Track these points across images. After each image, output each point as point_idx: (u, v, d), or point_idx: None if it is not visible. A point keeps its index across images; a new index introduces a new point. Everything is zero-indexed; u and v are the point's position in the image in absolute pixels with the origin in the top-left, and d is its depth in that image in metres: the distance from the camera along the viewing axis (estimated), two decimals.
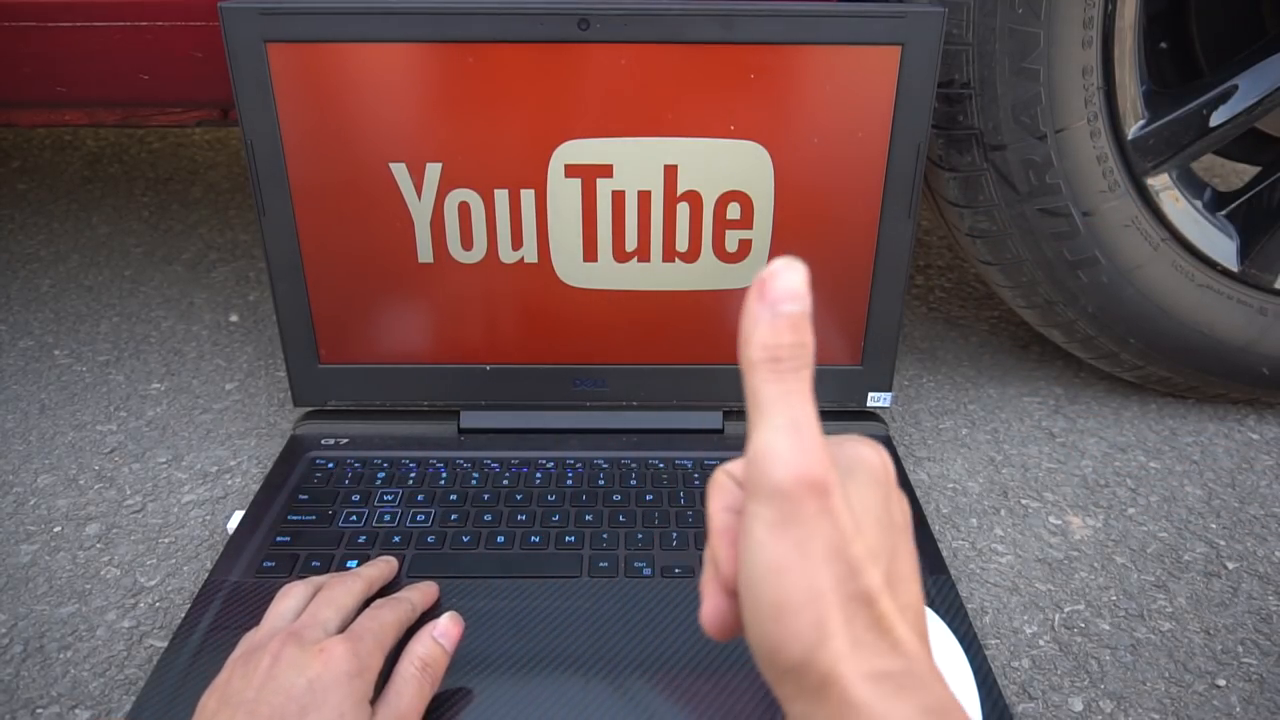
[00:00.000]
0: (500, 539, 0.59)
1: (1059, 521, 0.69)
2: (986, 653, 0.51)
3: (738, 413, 0.73)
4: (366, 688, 0.43)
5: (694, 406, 0.72)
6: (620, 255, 0.67)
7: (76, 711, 0.53)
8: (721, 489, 0.34)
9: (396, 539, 0.59)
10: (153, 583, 0.62)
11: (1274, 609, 0.61)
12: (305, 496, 0.63)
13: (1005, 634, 0.59)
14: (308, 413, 0.73)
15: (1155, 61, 0.92)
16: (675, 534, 0.60)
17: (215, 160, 1.53)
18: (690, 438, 0.71)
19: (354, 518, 0.61)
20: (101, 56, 0.71)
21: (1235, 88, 0.72)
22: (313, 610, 0.46)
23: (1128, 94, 0.69)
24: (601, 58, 0.61)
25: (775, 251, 0.67)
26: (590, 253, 0.67)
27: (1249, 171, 0.86)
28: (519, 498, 0.63)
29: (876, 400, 0.72)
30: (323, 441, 0.70)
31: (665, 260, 0.67)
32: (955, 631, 0.49)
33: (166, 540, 0.66)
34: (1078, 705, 0.54)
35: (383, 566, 0.54)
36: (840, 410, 0.73)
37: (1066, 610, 0.61)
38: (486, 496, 0.63)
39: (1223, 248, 0.75)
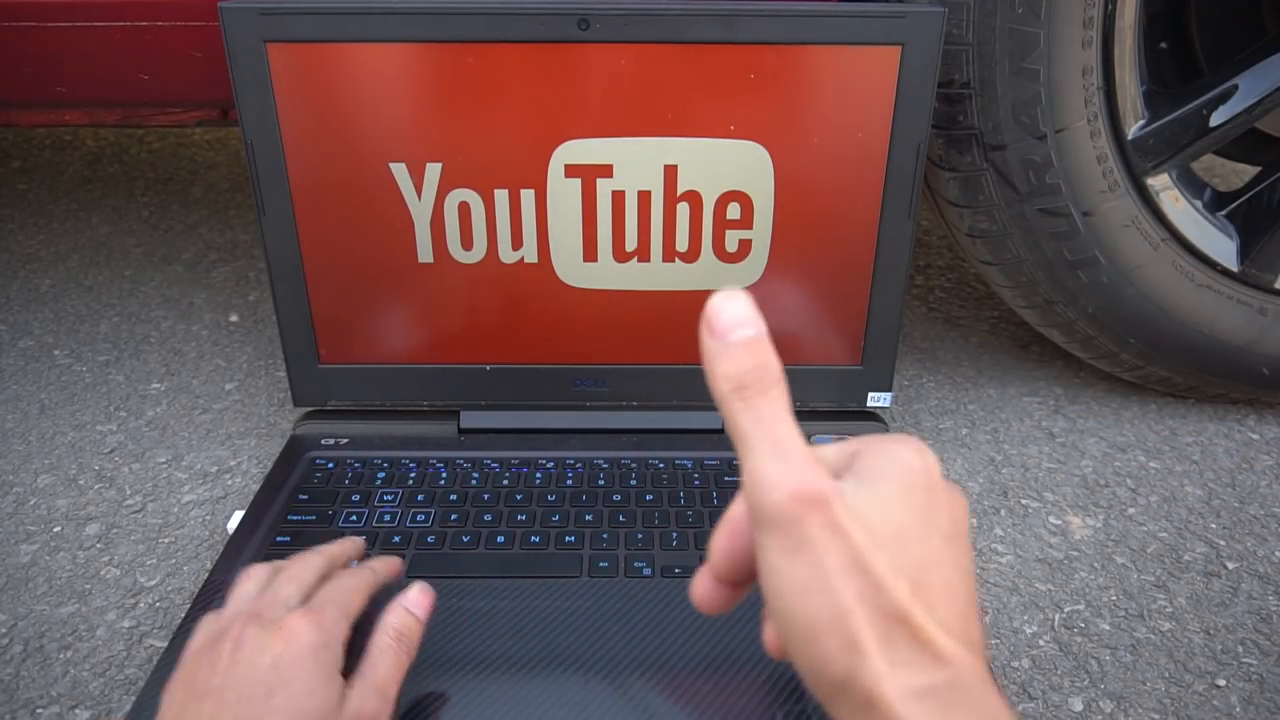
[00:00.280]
0: (500, 539, 0.59)
1: (1059, 521, 0.69)
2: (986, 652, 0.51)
3: None
4: (334, 659, 0.42)
5: (694, 406, 0.72)
6: (620, 255, 0.67)
7: (76, 711, 0.53)
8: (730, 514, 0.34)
9: (396, 539, 0.59)
10: (153, 583, 0.62)
11: (1274, 609, 0.61)
12: (305, 496, 0.63)
13: (1005, 634, 0.59)
14: (308, 413, 0.73)
15: (1155, 61, 0.92)
16: (675, 534, 0.60)
17: (215, 160, 1.53)
18: (690, 438, 0.70)
19: (354, 518, 0.61)
20: (101, 56, 0.71)
21: (1235, 88, 0.72)
22: (273, 589, 0.45)
23: (1128, 94, 0.69)
24: (601, 58, 0.61)
25: (775, 251, 0.67)
26: (590, 253, 0.67)
27: (1249, 171, 0.86)
28: (519, 498, 0.63)
29: (876, 400, 0.72)
30: (323, 441, 0.70)
31: (665, 260, 0.67)
32: None
33: (166, 540, 0.66)
34: (1078, 705, 0.54)
35: (359, 555, 0.53)
36: (840, 410, 0.73)
37: (1066, 610, 0.61)
38: (486, 496, 0.63)
39: (1223, 248, 0.75)
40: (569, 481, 0.65)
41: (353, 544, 0.53)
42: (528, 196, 0.65)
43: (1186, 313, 0.75)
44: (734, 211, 0.65)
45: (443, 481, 0.65)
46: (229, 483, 0.72)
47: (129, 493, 0.71)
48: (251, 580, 0.47)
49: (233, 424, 0.80)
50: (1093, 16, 0.65)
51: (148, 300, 1.03)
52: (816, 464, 0.30)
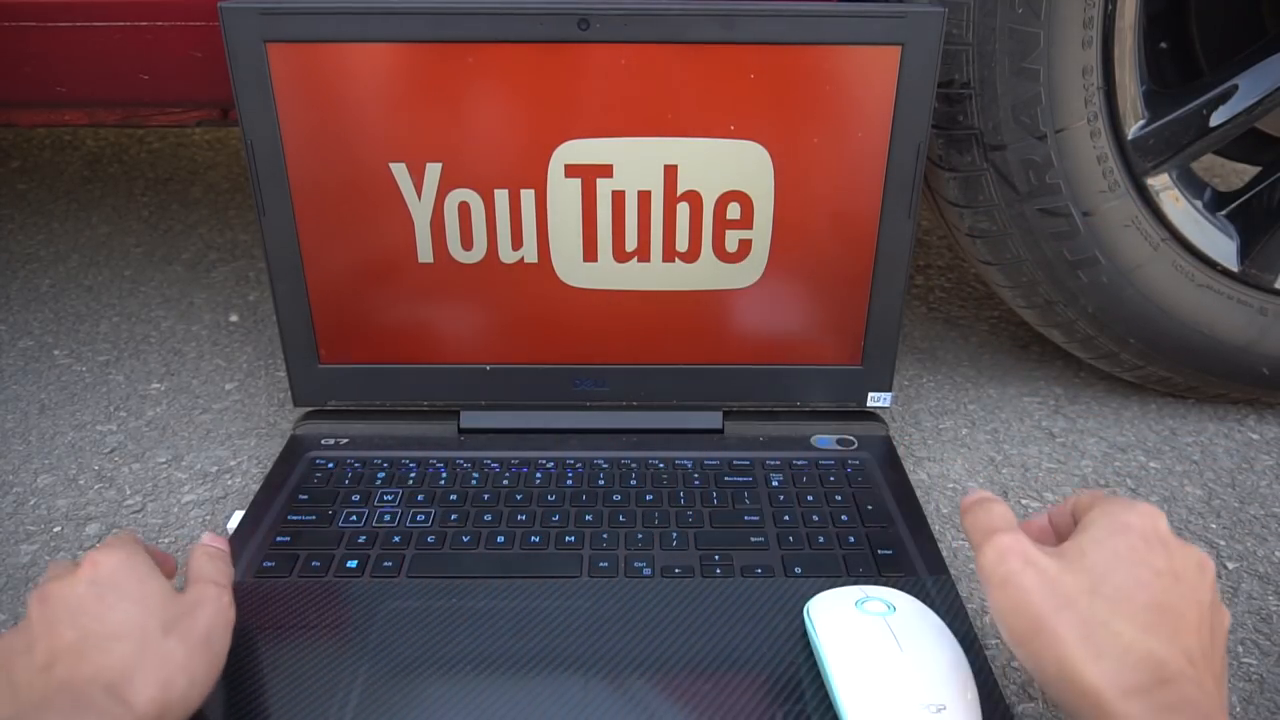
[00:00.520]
0: (500, 539, 0.59)
1: None
2: (987, 653, 0.51)
3: (737, 413, 0.73)
4: (147, 560, 0.44)
5: (694, 406, 0.72)
6: (620, 255, 0.67)
7: None
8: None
9: (396, 539, 0.59)
10: None
11: (1274, 609, 0.61)
12: (305, 496, 0.64)
13: None
14: (308, 413, 0.73)
15: (1155, 61, 0.92)
16: (675, 534, 0.60)
17: (215, 160, 1.53)
18: (690, 438, 0.70)
19: (354, 518, 0.61)
20: (101, 56, 0.71)
21: (1235, 88, 0.72)
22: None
23: (1128, 94, 0.69)
24: (601, 58, 0.61)
25: (775, 251, 0.67)
26: (590, 253, 0.67)
27: (1249, 171, 0.85)
28: (519, 498, 0.63)
29: (876, 400, 0.72)
30: (323, 441, 0.70)
31: (665, 260, 0.67)
32: (955, 631, 0.49)
33: (166, 540, 0.66)
34: None
35: None
36: (840, 410, 0.73)
37: None
38: (486, 496, 0.63)
39: (1223, 248, 0.75)
40: (569, 481, 0.65)
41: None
42: (528, 196, 0.65)
43: (1186, 313, 0.75)
44: (734, 211, 0.66)
45: (443, 481, 0.65)
46: (229, 483, 0.72)
47: (129, 493, 0.71)
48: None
49: (233, 424, 0.80)
50: (1093, 16, 0.65)
51: (148, 300, 1.03)
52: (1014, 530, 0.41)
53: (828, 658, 0.47)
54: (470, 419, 0.72)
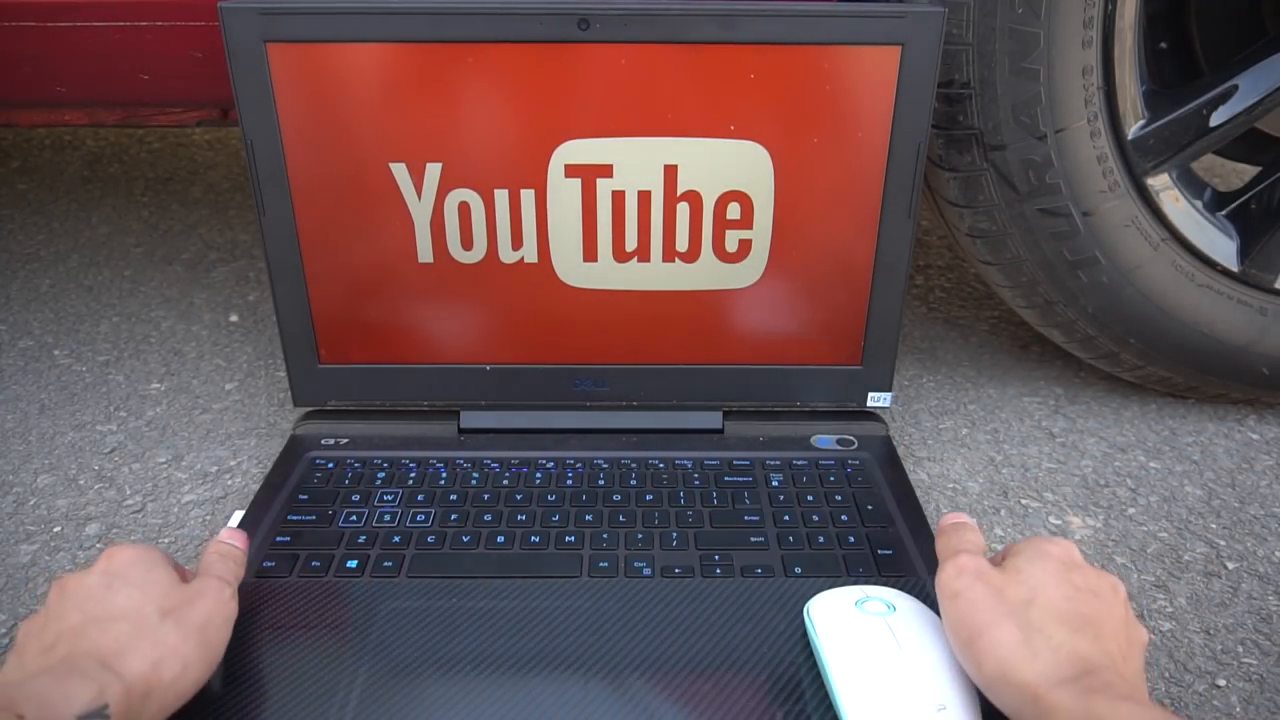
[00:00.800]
0: (500, 539, 0.59)
1: (1059, 521, 0.69)
2: None
3: (737, 413, 0.73)
4: (159, 555, 0.47)
5: (694, 406, 0.72)
6: (620, 255, 0.67)
7: None
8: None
9: (396, 539, 0.59)
10: None
11: (1274, 609, 0.61)
12: (305, 496, 0.63)
13: None
14: (308, 413, 0.73)
15: (1155, 61, 0.92)
16: (675, 534, 0.60)
17: (215, 160, 1.53)
18: (690, 438, 0.70)
19: (354, 518, 0.61)
20: (101, 56, 0.71)
21: (1235, 88, 0.72)
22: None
23: (1128, 94, 0.69)
24: (601, 58, 0.61)
25: (775, 251, 0.67)
26: (590, 253, 0.67)
27: (1249, 171, 0.86)
28: (519, 498, 0.63)
29: (876, 400, 0.72)
30: (323, 441, 0.70)
31: (665, 260, 0.67)
32: None
33: (166, 540, 0.66)
34: None
35: None
36: (840, 410, 0.73)
37: None
38: (486, 496, 0.63)
39: (1223, 248, 0.75)
40: (569, 481, 0.65)
41: None
42: (528, 196, 0.65)
43: (1186, 313, 0.75)
44: (734, 211, 0.65)
45: (443, 481, 0.65)
46: (229, 483, 0.72)
47: (129, 493, 0.71)
48: None
49: (233, 424, 0.80)
50: (1093, 16, 0.65)
51: (148, 300, 1.03)
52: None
53: (828, 658, 0.47)
54: (470, 419, 0.72)
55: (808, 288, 0.68)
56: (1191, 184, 0.75)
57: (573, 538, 0.59)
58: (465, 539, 0.59)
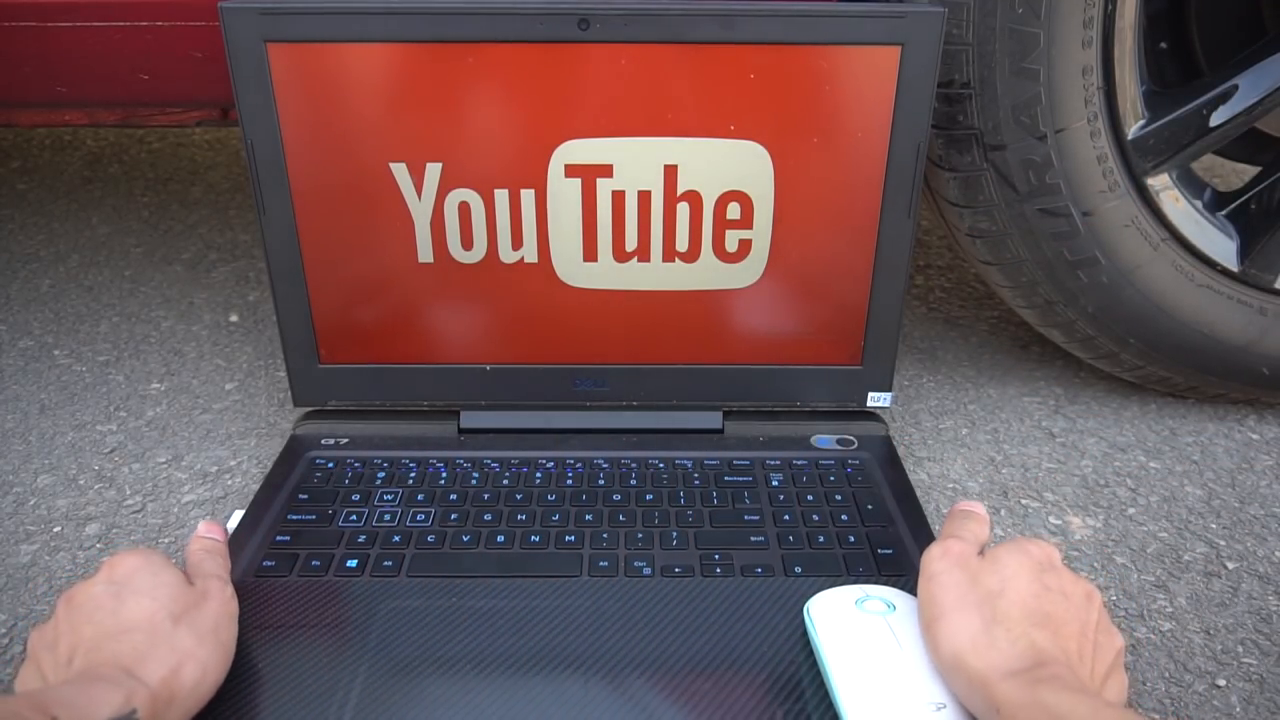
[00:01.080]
0: (500, 538, 0.59)
1: (1059, 521, 0.69)
2: None
3: (737, 413, 0.73)
4: (163, 558, 0.48)
5: (694, 406, 0.72)
6: (620, 255, 0.67)
7: None
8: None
9: (396, 538, 0.59)
10: None
11: (1274, 609, 0.61)
12: (305, 496, 0.64)
13: None
14: (308, 413, 0.73)
15: (1155, 61, 0.92)
16: (675, 533, 0.60)
17: (215, 160, 1.53)
18: (690, 438, 0.70)
19: (354, 517, 0.61)
20: (101, 56, 0.71)
21: (1235, 88, 0.72)
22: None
23: (1128, 94, 0.69)
24: (602, 57, 0.61)
25: (775, 251, 0.67)
26: (590, 253, 0.67)
27: (1249, 171, 0.86)
28: (519, 497, 0.63)
29: (876, 400, 0.72)
30: (323, 441, 0.70)
31: (665, 260, 0.67)
32: None
33: (166, 540, 0.66)
34: None
35: None
36: (840, 410, 0.73)
37: None
38: (486, 496, 0.63)
39: (1223, 248, 0.75)
40: (569, 481, 0.65)
41: None
42: (528, 196, 0.65)
43: (1186, 313, 0.75)
44: (734, 211, 0.65)
45: (442, 481, 0.65)
46: (229, 483, 0.72)
47: (129, 493, 0.71)
48: None
49: (233, 424, 0.80)
50: (1093, 16, 0.65)
51: (148, 300, 1.03)
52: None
53: (827, 657, 0.47)
54: (470, 419, 0.72)
55: (807, 287, 0.68)
56: (1191, 184, 0.75)
57: (573, 537, 0.59)
58: (465, 538, 0.59)
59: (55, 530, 0.67)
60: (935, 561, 0.47)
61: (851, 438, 0.71)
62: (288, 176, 0.64)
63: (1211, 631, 0.59)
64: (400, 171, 0.64)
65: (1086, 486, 0.73)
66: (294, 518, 0.61)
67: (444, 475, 0.66)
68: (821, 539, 0.60)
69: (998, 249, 0.74)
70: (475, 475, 0.66)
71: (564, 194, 0.65)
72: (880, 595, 0.51)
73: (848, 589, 0.52)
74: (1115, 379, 0.87)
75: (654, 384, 0.71)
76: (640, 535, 0.59)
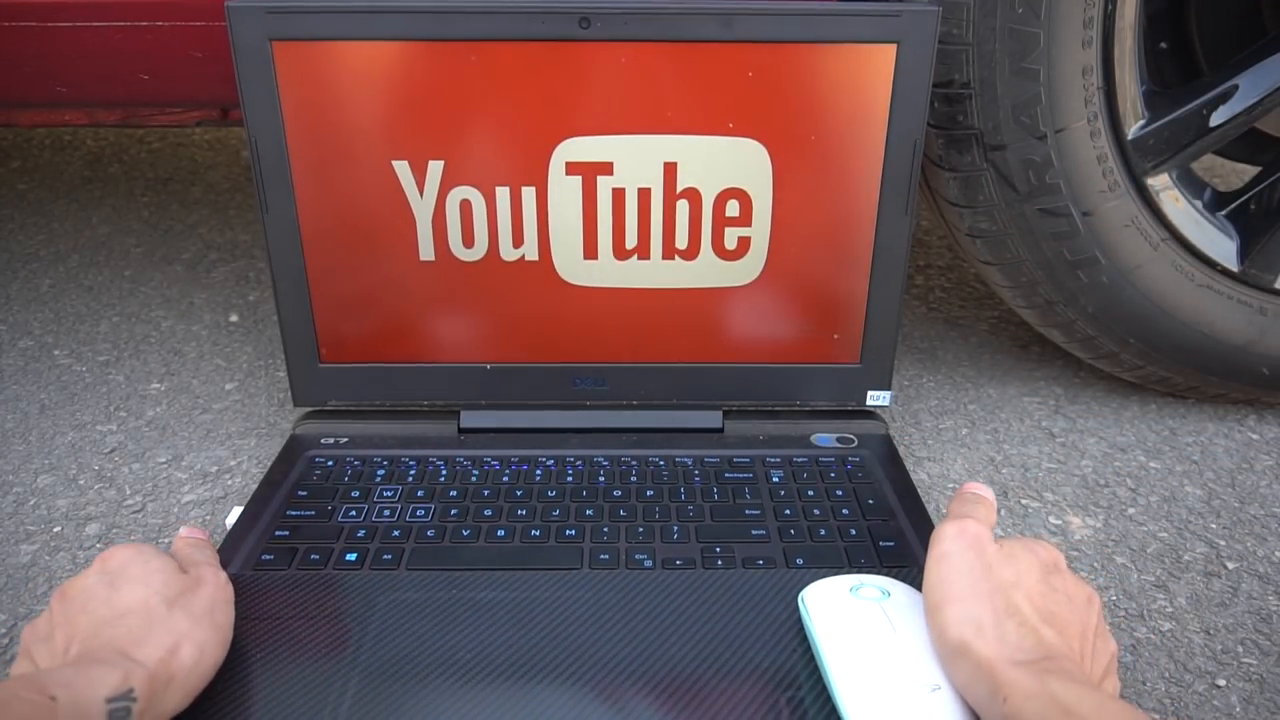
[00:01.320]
0: (501, 532, 0.59)
1: (1059, 521, 0.69)
2: None
3: (737, 412, 0.73)
4: (154, 549, 0.48)
5: (694, 406, 0.72)
6: (620, 253, 0.67)
7: None
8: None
9: (396, 533, 0.59)
10: None
11: (1274, 609, 0.61)
12: (304, 493, 0.63)
13: None
14: (308, 412, 0.73)
15: (1155, 61, 0.92)
16: (675, 527, 0.60)
17: (215, 160, 1.53)
18: (690, 436, 0.70)
19: (353, 513, 0.61)
20: (101, 56, 0.71)
21: (1235, 88, 0.72)
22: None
23: (1128, 94, 0.69)
24: (602, 56, 0.61)
25: (774, 248, 0.67)
26: (591, 250, 0.67)
27: (1249, 171, 0.86)
28: (519, 493, 0.63)
29: (876, 399, 0.72)
30: (322, 440, 0.70)
31: (665, 258, 0.67)
32: None
33: (166, 540, 0.66)
34: None
35: None
36: (839, 410, 0.73)
37: None
38: (486, 492, 0.63)
39: (1223, 248, 0.75)
40: (569, 478, 0.65)
41: None
42: (529, 194, 0.65)
43: (1186, 313, 0.75)
44: (733, 209, 0.66)
45: (442, 478, 0.65)
46: (229, 483, 0.72)
47: (129, 493, 0.71)
48: None
49: (233, 424, 0.80)
50: (1093, 16, 0.65)
51: (148, 300, 1.03)
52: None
53: (822, 642, 0.47)
54: (470, 419, 0.72)
55: (806, 285, 0.68)
56: (1191, 184, 0.75)
57: (573, 531, 0.59)
58: (465, 532, 0.59)
59: (55, 530, 0.67)
60: (949, 540, 0.45)
61: (851, 436, 0.71)
62: (291, 174, 0.64)
63: (1211, 631, 0.59)
64: (402, 169, 0.64)
65: (1086, 486, 0.73)
66: (293, 513, 0.61)
67: (444, 473, 0.66)
68: (823, 532, 0.60)
69: (998, 249, 0.74)
70: (475, 473, 0.66)
71: (565, 191, 0.65)
72: (875, 583, 0.50)
73: (842, 578, 0.52)
74: (1115, 379, 0.87)
75: (654, 383, 0.71)
76: (641, 529, 0.59)
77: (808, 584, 0.52)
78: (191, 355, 0.92)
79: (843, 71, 0.62)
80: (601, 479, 0.65)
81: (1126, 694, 0.54)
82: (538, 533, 0.59)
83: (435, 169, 0.64)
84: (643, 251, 0.67)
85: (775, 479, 0.65)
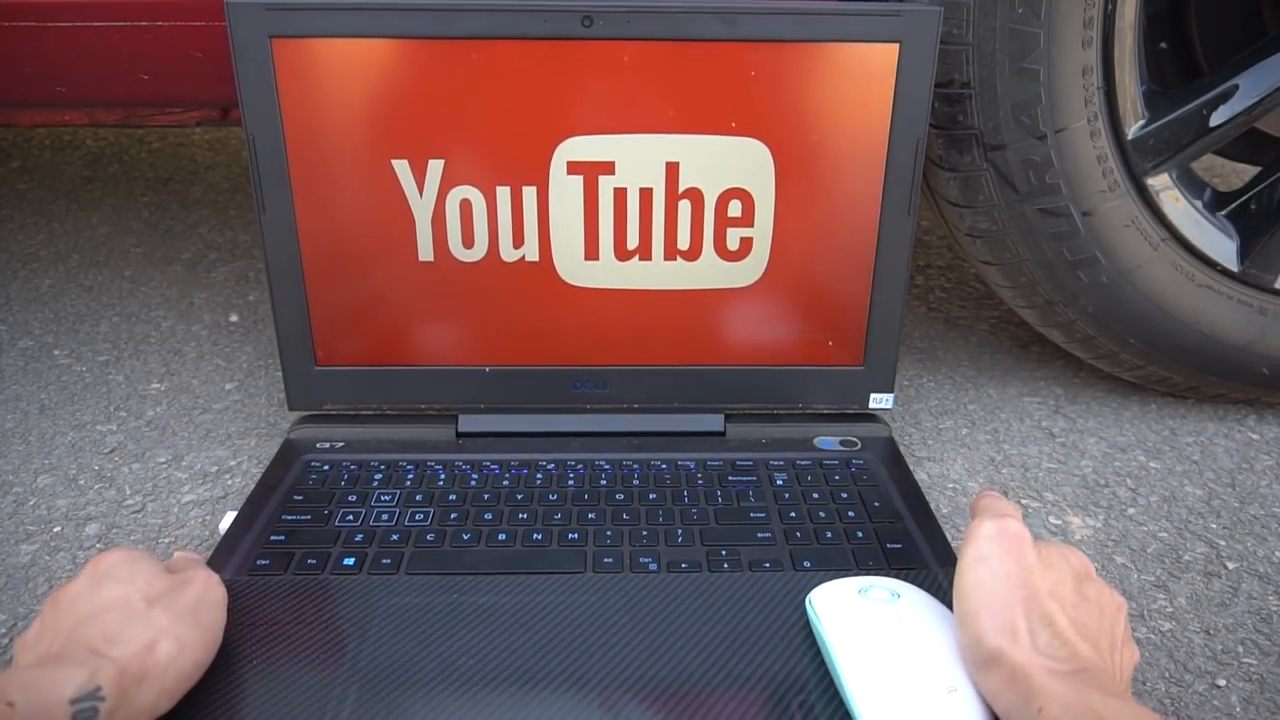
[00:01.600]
0: (502, 536, 0.59)
1: (1059, 521, 0.69)
2: None
3: (739, 415, 0.73)
4: (143, 553, 0.48)
5: (695, 409, 0.72)
6: (622, 254, 0.67)
7: None
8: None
9: (395, 537, 0.59)
10: None
11: (1274, 609, 0.61)
12: (300, 497, 0.63)
13: None
14: (304, 416, 0.73)
15: (1155, 61, 0.92)
16: (680, 530, 0.59)
17: (215, 160, 1.53)
18: (692, 440, 0.70)
19: (350, 517, 0.61)
20: (101, 56, 0.71)
21: (1235, 88, 0.72)
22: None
23: (1128, 94, 0.69)
24: (604, 54, 0.61)
25: (776, 249, 0.67)
26: (592, 251, 0.67)
27: (1249, 171, 0.86)
28: (520, 497, 0.63)
29: (879, 401, 0.72)
30: (318, 444, 0.69)
31: (667, 259, 0.67)
32: None
33: (166, 540, 0.66)
34: None
35: None
36: (842, 413, 0.73)
37: None
38: (486, 496, 0.63)
39: (1223, 248, 0.76)
40: (570, 482, 0.65)
41: None
42: (529, 193, 0.65)
43: (1186, 313, 0.75)
44: (735, 209, 0.66)
45: (441, 482, 0.65)
46: (229, 483, 0.72)
47: (129, 493, 0.71)
48: None
49: (232, 424, 0.80)
50: (1093, 16, 0.65)
51: (148, 300, 1.03)
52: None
53: (833, 645, 0.46)
54: (468, 423, 0.71)
55: (809, 286, 0.68)
56: (1191, 184, 0.75)
57: (576, 535, 0.59)
58: (466, 536, 0.59)
59: (55, 530, 0.67)
60: (989, 541, 0.44)
61: (855, 439, 0.71)
62: (289, 173, 0.64)
63: (1211, 631, 0.59)
64: (402, 168, 0.64)
65: (1086, 486, 0.73)
66: (289, 518, 0.61)
67: (442, 477, 0.65)
68: (829, 534, 0.59)
69: (998, 249, 0.74)
70: (474, 477, 0.65)
71: (566, 191, 0.65)
72: (883, 584, 0.50)
73: (850, 580, 0.51)
74: (1115, 379, 0.87)
75: (655, 386, 0.71)
76: (645, 533, 0.59)
77: (815, 586, 0.52)
78: (191, 355, 0.91)
79: (845, 71, 0.62)
80: (603, 482, 0.65)
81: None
82: (540, 536, 0.59)
83: (435, 168, 0.64)
84: (644, 252, 0.67)
85: (779, 481, 0.65)
